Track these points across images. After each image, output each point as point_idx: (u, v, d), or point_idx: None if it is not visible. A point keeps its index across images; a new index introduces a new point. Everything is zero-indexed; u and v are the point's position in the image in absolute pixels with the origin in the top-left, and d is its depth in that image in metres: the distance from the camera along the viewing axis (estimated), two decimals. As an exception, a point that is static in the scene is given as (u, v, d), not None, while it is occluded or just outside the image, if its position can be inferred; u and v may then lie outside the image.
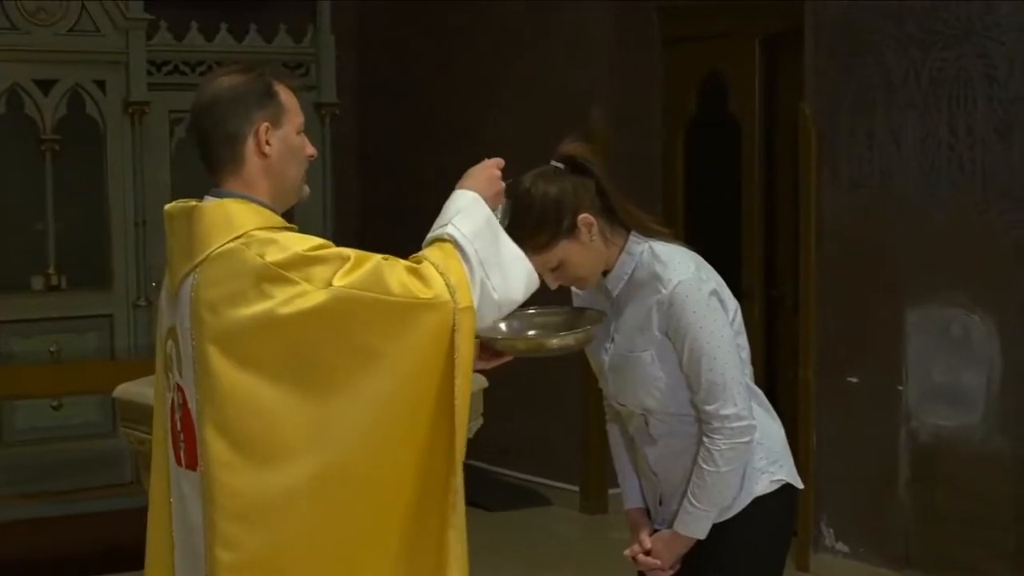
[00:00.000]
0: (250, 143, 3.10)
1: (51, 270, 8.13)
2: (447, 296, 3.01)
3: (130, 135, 8.13)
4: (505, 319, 3.51)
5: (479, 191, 3.19)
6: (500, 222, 3.23)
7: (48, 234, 8.11)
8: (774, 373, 7.29)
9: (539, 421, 8.24)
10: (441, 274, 3.03)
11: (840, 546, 6.72)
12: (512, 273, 3.15)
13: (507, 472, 8.51)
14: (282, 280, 2.94)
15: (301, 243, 3.00)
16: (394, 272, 3.00)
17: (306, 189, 3.24)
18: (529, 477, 8.43)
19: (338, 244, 3.11)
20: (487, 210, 3.17)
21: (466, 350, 3.03)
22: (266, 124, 3.09)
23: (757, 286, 7.36)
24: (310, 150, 3.23)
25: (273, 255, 2.96)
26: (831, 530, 6.74)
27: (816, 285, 6.77)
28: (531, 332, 3.52)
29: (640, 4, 7.85)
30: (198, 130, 3.15)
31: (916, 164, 6.32)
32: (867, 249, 6.56)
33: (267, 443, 2.96)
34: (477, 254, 3.08)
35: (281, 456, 2.96)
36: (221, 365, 2.98)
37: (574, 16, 8.00)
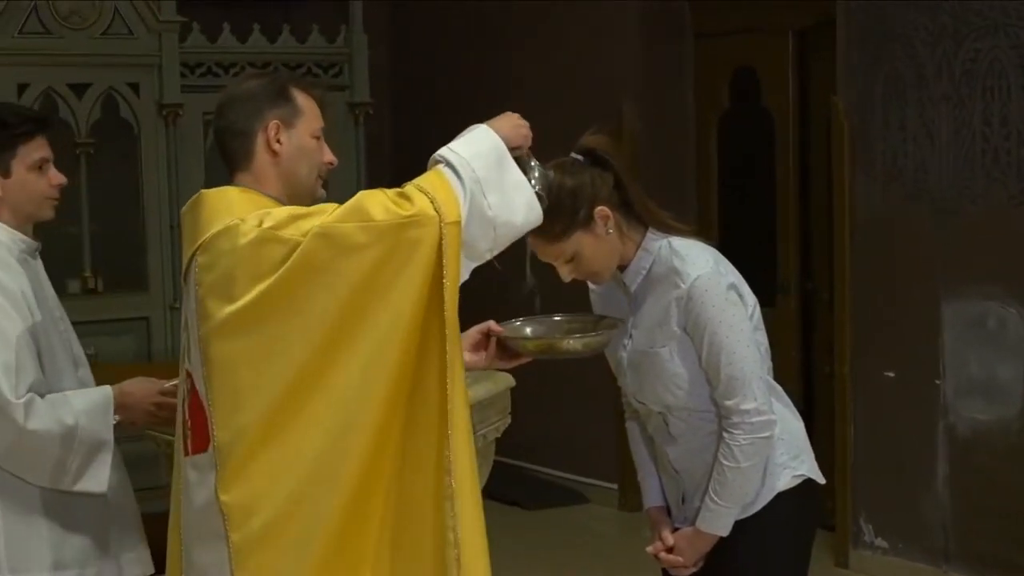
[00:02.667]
0: (260, 139, 3.19)
1: (87, 273, 8.13)
2: (432, 211, 2.97)
3: (164, 137, 8.14)
4: (531, 324, 3.51)
5: (496, 128, 3.18)
6: (539, 193, 3.18)
7: (83, 237, 8.11)
8: (810, 368, 7.24)
9: (577, 419, 8.22)
10: (426, 192, 3.00)
11: (879, 542, 6.67)
12: (513, 198, 3.10)
13: (544, 470, 8.50)
14: (276, 241, 2.97)
15: (292, 208, 3.06)
16: (375, 199, 3.00)
17: (321, 192, 3.27)
18: (567, 475, 8.42)
19: None
20: (498, 141, 3.14)
21: (453, 265, 2.99)
22: (276, 122, 3.19)
23: (793, 281, 7.33)
24: (328, 157, 3.27)
25: (268, 222, 2.99)
26: (870, 526, 6.70)
27: (851, 279, 6.73)
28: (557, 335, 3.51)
29: (673, -2, 7.84)
30: (216, 129, 3.26)
31: (950, 156, 6.27)
32: (902, 243, 6.51)
33: (272, 407, 2.97)
34: (474, 172, 3.05)
35: (287, 416, 2.97)
36: (221, 341, 3.01)
37: (606, 10, 7.98)
